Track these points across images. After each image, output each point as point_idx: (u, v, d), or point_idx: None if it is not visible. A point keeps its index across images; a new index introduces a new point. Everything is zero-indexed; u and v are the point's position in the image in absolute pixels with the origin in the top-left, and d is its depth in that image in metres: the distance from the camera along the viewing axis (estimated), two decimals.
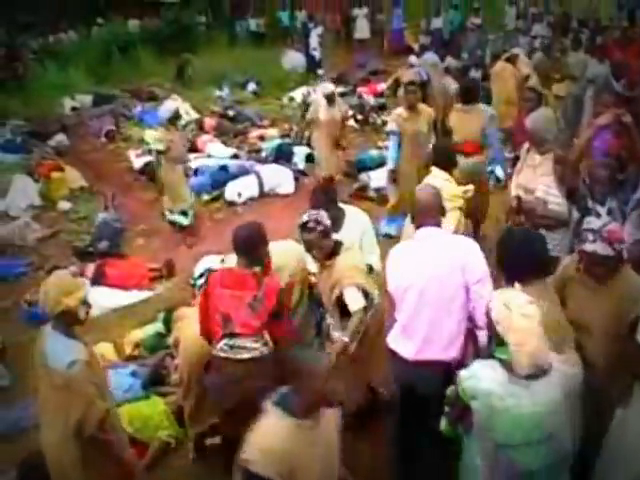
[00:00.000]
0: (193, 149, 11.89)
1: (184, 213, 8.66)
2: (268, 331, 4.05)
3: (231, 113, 13.91)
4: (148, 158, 11.39)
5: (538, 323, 2.75)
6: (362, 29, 22.49)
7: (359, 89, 15.39)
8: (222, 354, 4.02)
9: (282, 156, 10.83)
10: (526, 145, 5.49)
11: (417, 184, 4.94)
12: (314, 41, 19.06)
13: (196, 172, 10.49)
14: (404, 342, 3.77)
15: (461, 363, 3.46)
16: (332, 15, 25.60)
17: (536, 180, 5.12)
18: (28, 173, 10.89)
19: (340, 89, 15.51)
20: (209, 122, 13.21)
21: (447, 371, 3.45)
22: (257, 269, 4.07)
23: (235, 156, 11.32)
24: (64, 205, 10.09)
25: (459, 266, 3.61)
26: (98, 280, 7.51)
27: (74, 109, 15.61)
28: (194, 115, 14.08)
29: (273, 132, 12.45)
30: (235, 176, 10.12)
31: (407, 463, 3.96)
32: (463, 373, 2.91)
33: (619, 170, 4.43)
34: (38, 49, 21.03)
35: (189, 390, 4.58)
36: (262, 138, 12.25)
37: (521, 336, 2.72)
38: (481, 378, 2.83)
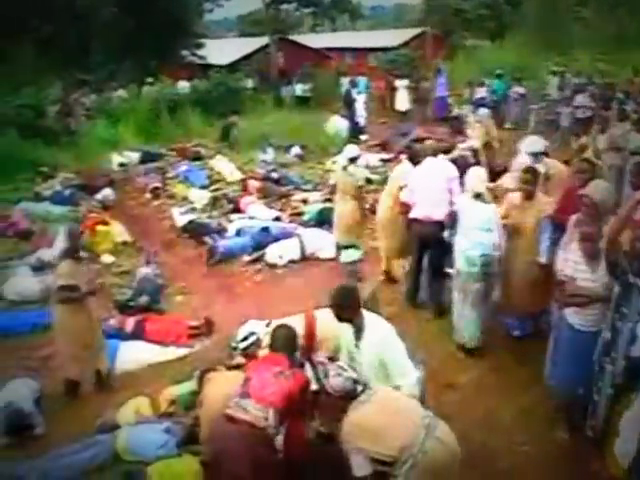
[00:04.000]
0: (236, 210, 12.06)
1: (355, 247, 8.85)
2: (286, 426, 4.19)
3: (275, 176, 14.07)
4: (191, 216, 11.56)
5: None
6: (402, 101, 22.62)
7: (401, 156, 15.43)
8: (226, 410, 4.08)
9: (324, 220, 10.87)
10: (574, 217, 5.27)
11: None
12: (360, 107, 19.29)
13: (238, 233, 10.63)
14: (416, 210, 7.23)
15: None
16: (377, 82, 25.95)
17: None
18: None
19: (383, 156, 15.72)
20: (253, 184, 13.34)
21: (438, 224, 6.95)
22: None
23: (277, 218, 11.40)
24: (107, 258, 10.21)
25: (446, 173, 7.18)
26: (137, 334, 7.58)
27: (122, 165, 15.97)
28: (238, 176, 14.34)
29: (316, 196, 12.52)
30: (277, 238, 10.18)
31: (415, 280, 7.72)
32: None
33: None
34: (90, 106, 21.67)
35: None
36: (305, 202, 12.36)
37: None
38: (460, 199, 6.68)
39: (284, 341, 4.52)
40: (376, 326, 4.48)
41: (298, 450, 4.42)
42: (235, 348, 6.45)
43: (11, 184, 14.61)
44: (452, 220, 6.65)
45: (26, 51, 23.57)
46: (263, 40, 31.33)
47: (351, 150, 9.13)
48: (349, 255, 8.85)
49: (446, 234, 6.85)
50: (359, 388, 3.97)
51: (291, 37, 35.84)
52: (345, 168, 8.92)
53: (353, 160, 8.96)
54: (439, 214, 6.96)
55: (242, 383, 4.22)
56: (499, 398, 5.84)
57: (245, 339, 6.29)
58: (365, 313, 4.53)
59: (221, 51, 31.87)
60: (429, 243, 7.25)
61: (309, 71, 28.08)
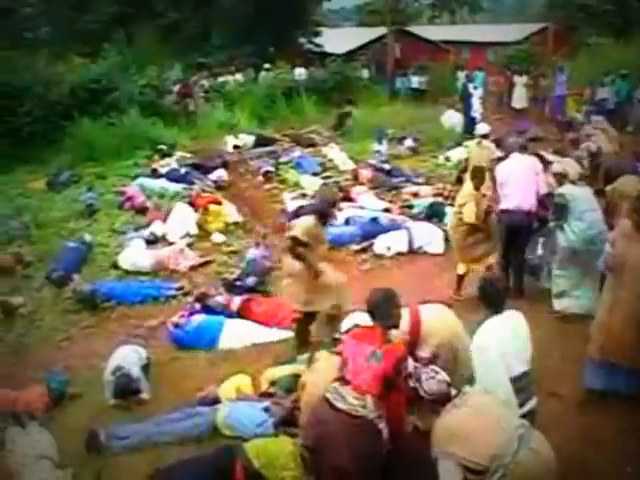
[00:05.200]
0: (346, 199, 12.03)
1: None
2: (384, 406, 4.03)
3: (387, 167, 13.97)
4: (302, 202, 11.61)
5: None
6: (520, 98, 21.88)
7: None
8: (326, 394, 4.03)
9: (434, 215, 10.71)
10: None
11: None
12: (476, 103, 18.87)
13: (347, 221, 10.61)
14: (508, 202, 7.49)
15: (536, 213, 7.54)
16: (495, 77, 25.27)
17: None
18: (188, 203, 11.40)
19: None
20: (364, 174, 13.28)
21: (527, 214, 7.46)
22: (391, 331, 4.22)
23: (387, 210, 11.30)
24: (218, 237, 10.44)
25: (533, 168, 7.65)
26: (243, 314, 7.69)
27: (236, 147, 16.25)
28: (351, 165, 14.32)
29: (427, 190, 12.35)
30: (386, 229, 10.10)
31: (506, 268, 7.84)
32: (559, 190, 7.06)
33: None
34: (209, 88, 22.21)
35: None
36: (415, 195, 12.18)
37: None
38: (566, 189, 6.97)
39: (379, 304, 4.29)
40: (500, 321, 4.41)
41: (397, 419, 4.24)
42: (338, 339, 6.41)
43: (131, 160, 15.20)
44: (559, 211, 6.95)
45: (151, 35, 24.39)
46: (380, 30, 31.11)
47: (483, 127, 10.75)
48: None
49: (552, 224, 7.24)
50: (453, 391, 3.87)
51: (409, 28, 35.46)
52: (479, 143, 10.16)
53: (485, 137, 10.30)
54: (528, 204, 7.46)
55: (340, 365, 4.15)
56: (604, 414, 5.50)
57: (349, 331, 6.23)
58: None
59: (338, 40, 31.90)
60: (518, 233, 7.59)
61: (425, 63, 27.73)
